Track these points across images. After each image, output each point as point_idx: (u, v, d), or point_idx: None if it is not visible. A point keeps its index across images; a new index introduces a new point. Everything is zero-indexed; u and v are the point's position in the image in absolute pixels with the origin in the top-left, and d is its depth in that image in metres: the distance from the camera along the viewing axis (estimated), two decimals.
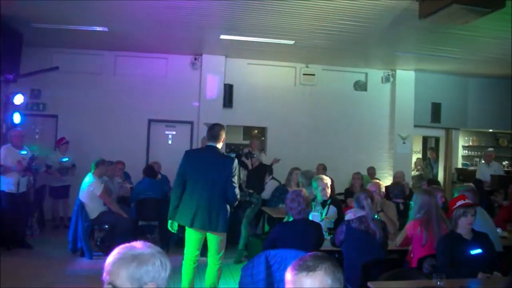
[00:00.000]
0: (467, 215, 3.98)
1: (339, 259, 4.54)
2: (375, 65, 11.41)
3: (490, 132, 13.17)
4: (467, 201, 4.12)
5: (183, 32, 8.76)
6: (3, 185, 7.31)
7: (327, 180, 5.94)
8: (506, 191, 8.04)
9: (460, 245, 3.95)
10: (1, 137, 8.21)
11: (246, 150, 9.13)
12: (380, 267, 3.95)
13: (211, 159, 5.06)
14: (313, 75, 11.30)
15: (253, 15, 7.51)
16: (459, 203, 4.08)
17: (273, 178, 8.36)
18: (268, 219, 7.54)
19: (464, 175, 12.13)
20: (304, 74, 11.29)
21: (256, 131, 12.58)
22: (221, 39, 9.02)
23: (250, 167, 8.65)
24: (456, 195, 4.63)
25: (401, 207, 6.27)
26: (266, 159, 9.55)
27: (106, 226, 7.51)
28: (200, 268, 5.24)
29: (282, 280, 2.05)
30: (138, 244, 1.90)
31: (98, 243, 7.49)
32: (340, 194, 8.60)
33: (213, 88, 10.64)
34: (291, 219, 4.72)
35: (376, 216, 5.09)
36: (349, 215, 4.78)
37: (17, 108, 8.53)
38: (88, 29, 8.57)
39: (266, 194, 8.00)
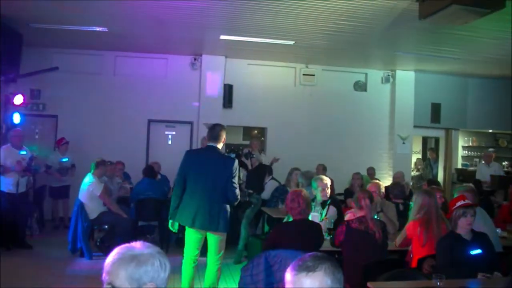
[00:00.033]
0: (466, 216, 3.98)
1: (339, 259, 4.54)
2: (375, 66, 11.42)
3: (490, 132, 13.18)
4: (466, 201, 4.11)
5: (183, 32, 8.76)
6: (2, 185, 7.31)
7: (327, 180, 5.94)
8: (506, 191, 8.04)
9: (460, 245, 3.94)
10: (1, 138, 8.21)
11: (245, 150, 9.13)
12: (380, 268, 3.94)
13: (212, 159, 5.07)
14: (313, 75, 11.31)
15: (253, 15, 7.51)
16: (459, 203, 4.07)
17: (272, 178, 8.35)
18: (268, 220, 7.54)
19: (464, 175, 12.14)
20: (304, 75, 11.30)
21: (256, 132, 12.59)
22: (221, 39, 9.02)
23: (249, 167, 8.65)
24: (456, 195, 4.62)
25: (401, 207, 6.26)
26: (265, 159, 9.55)
27: (106, 227, 7.51)
28: (199, 268, 5.24)
29: (282, 281, 2.05)
30: (137, 245, 1.90)
31: (98, 243, 7.50)
32: (340, 194, 8.60)
33: (213, 87, 10.64)
34: (291, 219, 4.72)
35: (375, 217, 5.09)
36: (348, 216, 4.77)
37: (16, 108, 8.53)
38: (88, 29, 8.57)
39: (266, 194, 8.00)
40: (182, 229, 5.24)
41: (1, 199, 7.28)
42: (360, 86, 11.77)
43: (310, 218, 4.88)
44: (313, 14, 7.30)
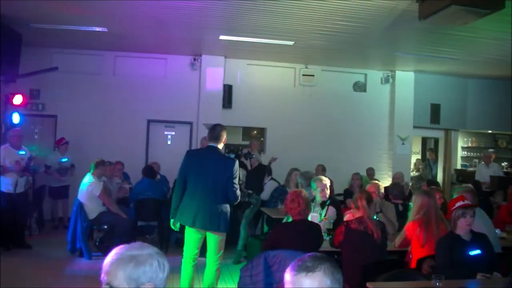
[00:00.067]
0: (466, 216, 3.98)
1: (338, 260, 4.53)
2: (375, 66, 11.42)
3: (489, 133, 13.20)
4: (466, 202, 4.12)
5: (183, 32, 8.76)
6: (1, 185, 7.30)
7: (326, 181, 5.94)
8: (505, 192, 8.03)
9: (459, 246, 3.94)
10: (0, 137, 8.21)
11: (245, 150, 9.13)
12: (379, 268, 3.95)
13: (212, 160, 5.07)
14: (313, 75, 11.31)
15: (253, 15, 7.51)
16: (458, 204, 4.07)
17: (272, 178, 8.36)
18: (267, 220, 7.54)
19: (463, 176, 12.15)
20: (303, 75, 11.29)
21: (255, 132, 12.58)
22: (221, 39, 9.02)
23: (249, 167, 8.65)
24: (455, 196, 4.63)
25: (400, 208, 6.27)
26: (264, 159, 9.54)
27: (105, 227, 7.51)
28: (199, 268, 5.24)
29: (281, 281, 2.05)
30: (136, 245, 1.90)
31: (97, 244, 7.51)
32: (339, 194, 8.61)
33: (212, 87, 10.64)
34: (290, 219, 4.72)
35: (375, 217, 5.10)
36: (348, 216, 4.77)
37: (16, 108, 8.53)
38: (88, 29, 8.57)
39: (265, 194, 8.00)
40: (181, 229, 5.24)
41: (0, 199, 7.28)
42: (360, 87, 11.78)
43: (309, 218, 4.88)
44: (312, 15, 7.30)
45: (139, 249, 1.88)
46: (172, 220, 5.15)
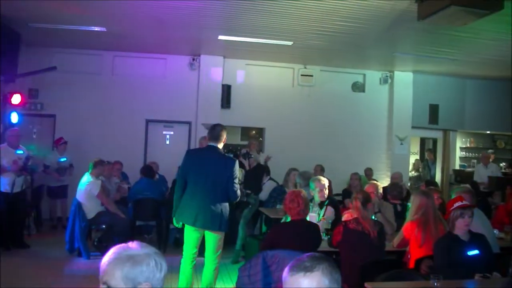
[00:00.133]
0: (464, 217, 3.99)
1: (336, 259, 4.53)
2: (373, 66, 11.42)
3: (488, 133, 13.21)
4: (464, 202, 4.12)
5: (182, 32, 8.76)
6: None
7: (325, 181, 5.94)
8: (503, 192, 8.04)
9: (458, 246, 3.95)
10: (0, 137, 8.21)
11: (244, 150, 9.12)
12: (378, 268, 3.95)
13: (212, 159, 5.08)
14: (311, 76, 11.31)
15: (252, 15, 7.51)
16: (456, 204, 4.08)
17: (270, 178, 8.36)
18: (266, 220, 7.55)
19: (462, 176, 12.15)
20: (302, 75, 11.29)
21: (254, 132, 12.58)
22: (219, 39, 9.02)
23: (247, 167, 8.65)
24: (453, 196, 4.63)
25: (399, 208, 6.28)
26: (263, 159, 9.54)
27: (104, 226, 7.49)
28: (197, 268, 5.24)
29: (279, 281, 2.05)
30: (133, 244, 1.90)
31: (96, 243, 7.49)
32: (338, 194, 8.61)
33: (211, 87, 10.64)
34: (288, 219, 4.72)
35: (373, 217, 5.10)
36: (346, 216, 4.77)
37: (15, 107, 8.52)
38: (87, 29, 8.56)
39: (264, 195, 7.99)
40: (180, 229, 5.25)
41: None
42: (358, 87, 11.78)
43: (307, 218, 4.88)
44: (311, 15, 7.30)
45: (137, 248, 1.88)
46: (174, 219, 5.17)
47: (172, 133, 11.06)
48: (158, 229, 8.06)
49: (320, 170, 8.99)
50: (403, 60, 10.44)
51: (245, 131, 12.60)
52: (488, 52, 9.00)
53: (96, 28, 8.53)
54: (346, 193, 8.31)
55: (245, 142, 11.10)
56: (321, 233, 4.92)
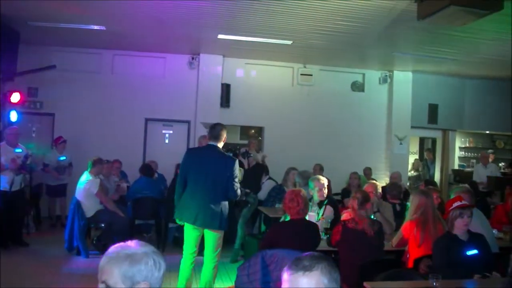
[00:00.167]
0: (463, 216, 3.99)
1: (335, 259, 4.54)
2: (373, 66, 11.42)
3: (487, 133, 13.22)
4: (463, 202, 4.12)
5: (181, 31, 8.75)
6: None
7: (324, 180, 5.94)
8: (502, 192, 8.04)
9: (456, 246, 3.95)
10: None
11: (243, 149, 9.13)
12: (377, 268, 3.95)
13: (212, 159, 5.10)
14: (311, 75, 11.31)
15: (251, 15, 7.50)
16: (455, 204, 4.08)
17: (270, 178, 8.36)
18: (265, 219, 7.54)
19: (461, 176, 12.16)
20: (301, 74, 11.28)
21: (253, 131, 12.59)
22: (219, 38, 9.01)
23: (246, 166, 8.65)
24: (452, 196, 4.63)
25: (398, 207, 6.28)
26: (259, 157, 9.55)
27: (103, 225, 7.48)
28: (196, 268, 5.24)
29: (278, 280, 2.05)
30: (132, 243, 1.90)
31: (95, 242, 7.50)
32: (337, 194, 8.61)
33: (210, 86, 10.64)
34: (287, 218, 4.72)
35: (372, 217, 5.10)
36: (345, 215, 4.77)
37: (14, 106, 8.52)
38: (86, 27, 8.55)
39: (263, 194, 7.99)
40: (179, 228, 5.26)
41: None
42: (358, 87, 11.78)
43: (306, 218, 4.89)
44: (311, 14, 7.29)
45: (135, 247, 1.88)
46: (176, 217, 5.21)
47: (171, 132, 11.06)
48: (157, 228, 8.06)
49: (319, 169, 9.00)
50: (403, 60, 10.44)
51: (244, 130, 12.62)
52: (487, 52, 9.00)
53: (96, 27, 8.52)
54: (345, 193, 8.31)
55: (245, 141, 11.12)
56: (320, 233, 4.93)
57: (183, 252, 5.13)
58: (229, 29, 8.50)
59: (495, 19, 6.34)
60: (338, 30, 8.07)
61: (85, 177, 7.27)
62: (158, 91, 10.60)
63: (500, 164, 12.41)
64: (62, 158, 9.19)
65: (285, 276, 1.91)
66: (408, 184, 11.38)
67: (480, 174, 10.71)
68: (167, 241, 7.94)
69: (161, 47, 10.28)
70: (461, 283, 3.63)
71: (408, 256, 4.66)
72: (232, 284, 5.97)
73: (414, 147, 13.88)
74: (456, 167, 12.83)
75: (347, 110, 11.52)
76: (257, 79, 11.14)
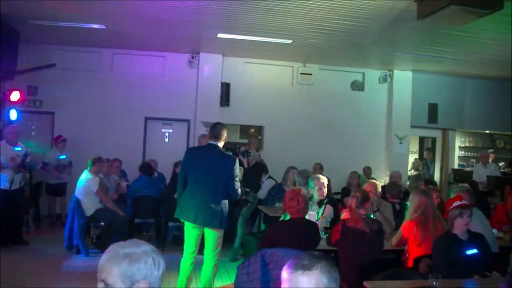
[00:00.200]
0: (463, 216, 3.99)
1: (335, 258, 4.54)
2: (373, 65, 11.42)
3: (487, 133, 13.22)
4: (463, 202, 4.12)
5: (181, 30, 8.74)
6: None
7: (324, 179, 5.94)
8: (502, 192, 8.04)
9: (456, 245, 3.95)
10: None
11: (243, 148, 9.12)
12: (376, 267, 3.95)
13: (213, 158, 5.11)
14: (311, 74, 11.30)
15: (251, 14, 7.49)
16: (455, 203, 4.08)
17: (269, 177, 8.36)
18: (264, 218, 7.54)
19: (461, 175, 12.16)
20: (301, 74, 11.28)
21: (253, 130, 12.58)
22: (219, 37, 9.00)
23: (246, 165, 8.65)
24: (452, 195, 4.63)
25: (397, 207, 6.29)
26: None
27: (102, 224, 7.49)
28: (196, 266, 5.24)
29: (278, 279, 2.04)
30: (131, 242, 1.91)
31: (94, 240, 7.50)
32: (337, 193, 8.61)
33: (210, 85, 10.63)
34: (287, 217, 4.72)
35: (372, 216, 5.10)
36: (344, 214, 4.77)
37: (13, 104, 8.51)
38: (86, 26, 8.53)
39: (262, 193, 8.00)
40: (178, 227, 5.26)
41: None
42: (358, 86, 11.78)
43: (306, 217, 4.89)
44: (311, 13, 7.29)
45: (134, 246, 1.88)
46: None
47: (171, 130, 11.06)
48: (157, 227, 8.07)
49: (319, 168, 9.00)
50: (403, 59, 10.43)
51: (244, 129, 12.60)
52: (487, 51, 8.99)
53: (96, 26, 8.50)
54: (345, 192, 8.32)
55: (244, 140, 11.10)
56: (320, 232, 4.93)
57: (184, 251, 5.13)
58: (229, 28, 8.49)
59: (495, 19, 6.33)
60: (338, 29, 8.07)
61: (85, 175, 7.27)
62: (157, 90, 10.59)
63: (500, 164, 12.41)
64: (62, 156, 9.19)
65: (285, 275, 1.91)
66: (408, 183, 11.37)
67: (480, 173, 10.71)
68: (167, 240, 7.93)
69: (161, 46, 10.27)
70: (461, 282, 3.63)
71: (407, 255, 4.66)
72: (231, 282, 5.97)
73: (414, 146, 13.88)
74: (456, 166, 12.83)
75: (347, 109, 11.51)
76: (257, 78, 11.14)
